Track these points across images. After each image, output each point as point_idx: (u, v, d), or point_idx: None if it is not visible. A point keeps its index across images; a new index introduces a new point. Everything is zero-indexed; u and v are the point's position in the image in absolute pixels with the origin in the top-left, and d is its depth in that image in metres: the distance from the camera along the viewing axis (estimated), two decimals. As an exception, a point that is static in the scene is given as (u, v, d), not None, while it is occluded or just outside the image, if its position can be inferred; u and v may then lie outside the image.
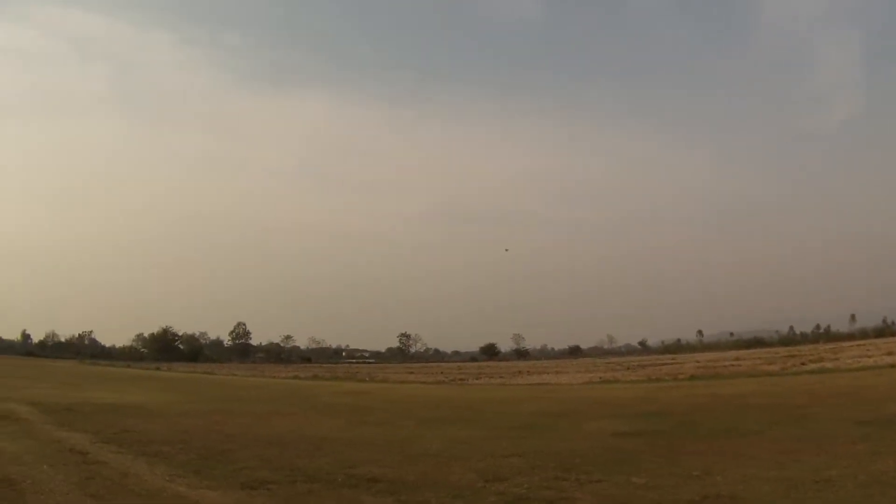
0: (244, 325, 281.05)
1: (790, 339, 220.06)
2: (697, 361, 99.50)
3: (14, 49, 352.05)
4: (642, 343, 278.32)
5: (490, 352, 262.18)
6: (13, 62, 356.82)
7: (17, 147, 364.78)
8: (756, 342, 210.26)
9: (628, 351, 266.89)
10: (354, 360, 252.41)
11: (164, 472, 16.79)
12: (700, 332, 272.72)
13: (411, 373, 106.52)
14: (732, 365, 78.04)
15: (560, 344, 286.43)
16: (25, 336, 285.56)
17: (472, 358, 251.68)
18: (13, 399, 39.32)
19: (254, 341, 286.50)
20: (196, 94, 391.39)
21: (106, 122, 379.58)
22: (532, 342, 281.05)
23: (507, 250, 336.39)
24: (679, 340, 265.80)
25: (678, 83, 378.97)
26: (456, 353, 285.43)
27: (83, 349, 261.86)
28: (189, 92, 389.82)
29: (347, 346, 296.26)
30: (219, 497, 14.15)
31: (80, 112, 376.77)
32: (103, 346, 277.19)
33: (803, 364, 64.69)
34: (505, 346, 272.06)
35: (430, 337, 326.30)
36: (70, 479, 15.79)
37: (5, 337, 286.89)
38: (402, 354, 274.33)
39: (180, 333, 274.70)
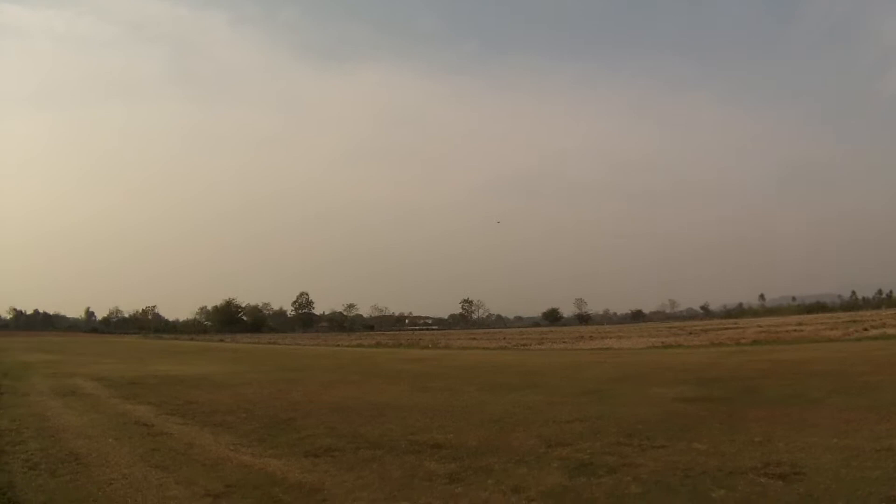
0: (307, 294, 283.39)
1: (852, 305, 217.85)
2: (759, 326, 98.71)
3: (72, 36, 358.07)
4: (704, 307, 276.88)
5: (552, 317, 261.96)
6: (72, 48, 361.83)
7: (83, 131, 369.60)
8: (818, 307, 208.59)
9: (690, 315, 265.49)
10: (417, 328, 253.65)
11: (228, 442, 17.12)
12: (762, 297, 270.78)
13: (474, 339, 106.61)
14: (795, 330, 77.33)
15: (622, 308, 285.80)
16: (89, 313, 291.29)
17: (535, 323, 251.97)
18: (79, 375, 40.46)
19: (316, 311, 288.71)
20: (255, 72, 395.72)
21: (167, 104, 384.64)
22: (594, 307, 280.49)
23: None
24: (741, 305, 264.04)
25: (737, 52, 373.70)
26: (518, 318, 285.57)
27: (147, 324, 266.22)
28: (248, 70, 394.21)
29: (410, 313, 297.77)
30: (283, 465, 14.33)
31: (142, 94, 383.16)
32: (167, 321, 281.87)
33: (865, 330, 64.08)
34: (567, 311, 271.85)
35: (493, 303, 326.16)
36: (135, 452, 16.08)
37: (70, 315, 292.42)
38: (464, 321, 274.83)
39: (243, 305, 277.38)
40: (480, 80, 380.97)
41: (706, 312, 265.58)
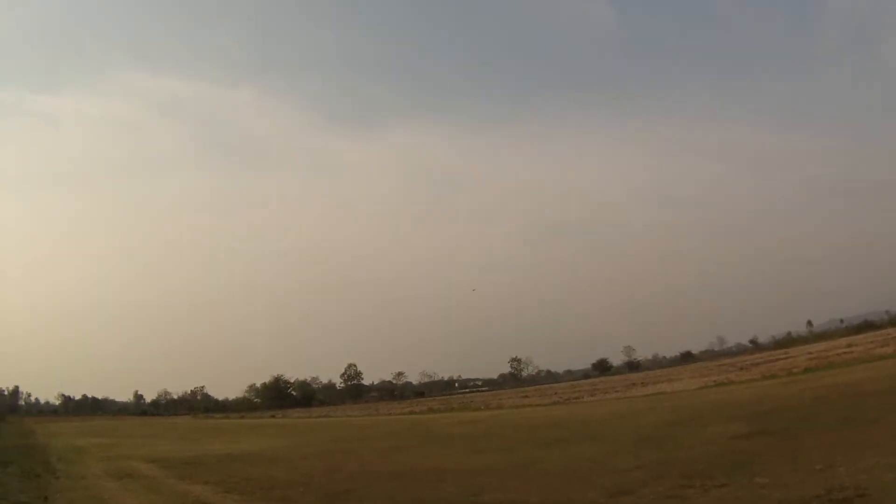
0: (355, 366, 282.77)
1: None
2: (810, 353, 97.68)
3: (104, 118, 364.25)
4: (753, 341, 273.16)
5: (602, 367, 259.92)
6: (105, 130, 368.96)
7: (113, 209, 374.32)
8: (866, 326, 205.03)
9: (739, 350, 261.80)
10: (468, 390, 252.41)
11: None
12: (809, 323, 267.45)
13: (525, 396, 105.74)
14: (845, 352, 76.55)
15: (671, 352, 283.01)
16: (138, 396, 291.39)
17: (585, 375, 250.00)
18: (133, 457, 40.30)
19: (365, 381, 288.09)
20: (283, 139, 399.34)
21: (197, 176, 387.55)
22: (643, 353, 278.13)
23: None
24: (789, 334, 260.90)
25: (762, 72, 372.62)
26: (568, 372, 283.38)
27: (196, 404, 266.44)
28: (275, 137, 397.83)
29: (459, 376, 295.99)
30: None
31: (172, 169, 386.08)
32: (216, 400, 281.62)
33: (917, 343, 63.41)
34: (616, 359, 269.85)
35: (541, 359, 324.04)
36: None
37: (118, 399, 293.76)
38: (514, 379, 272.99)
39: (292, 380, 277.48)
40: (508, 130, 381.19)
41: (755, 345, 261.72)
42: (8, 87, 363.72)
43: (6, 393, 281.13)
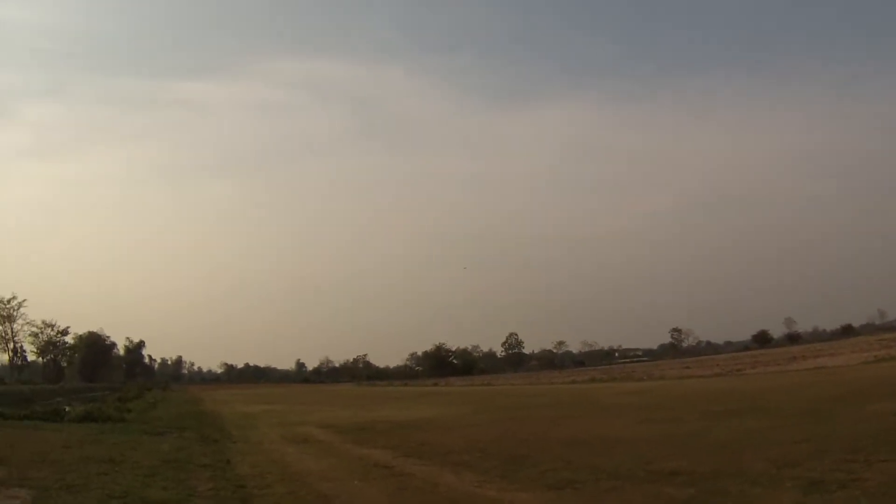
0: (516, 335, 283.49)
1: None
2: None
3: (256, 104, 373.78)
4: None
5: (762, 339, 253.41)
6: (257, 116, 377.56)
7: (268, 192, 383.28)
8: None
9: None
10: (627, 360, 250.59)
11: (471, 480, 18.03)
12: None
13: (687, 367, 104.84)
14: None
15: (831, 324, 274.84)
16: (300, 364, 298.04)
17: (745, 347, 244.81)
18: (306, 423, 41.97)
19: (526, 350, 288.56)
20: (436, 118, 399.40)
21: (351, 158, 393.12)
22: (802, 325, 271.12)
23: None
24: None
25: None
26: (728, 343, 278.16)
27: (358, 372, 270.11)
28: (429, 116, 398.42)
29: (620, 346, 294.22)
30: (530, 498, 15.27)
31: (325, 152, 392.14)
32: (377, 367, 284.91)
33: None
34: (776, 331, 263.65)
35: (701, 329, 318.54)
36: (383, 491, 17.28)
37: (280, 367, 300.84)
38: (674, 350, 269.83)
39: (453, 349, 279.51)
40: (656, 102, 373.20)
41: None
42: (158, 77, 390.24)
43: (170, 362, 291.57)
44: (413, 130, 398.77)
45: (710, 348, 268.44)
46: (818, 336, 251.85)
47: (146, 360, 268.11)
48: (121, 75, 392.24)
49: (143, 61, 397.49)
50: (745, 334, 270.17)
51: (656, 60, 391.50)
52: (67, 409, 50.42)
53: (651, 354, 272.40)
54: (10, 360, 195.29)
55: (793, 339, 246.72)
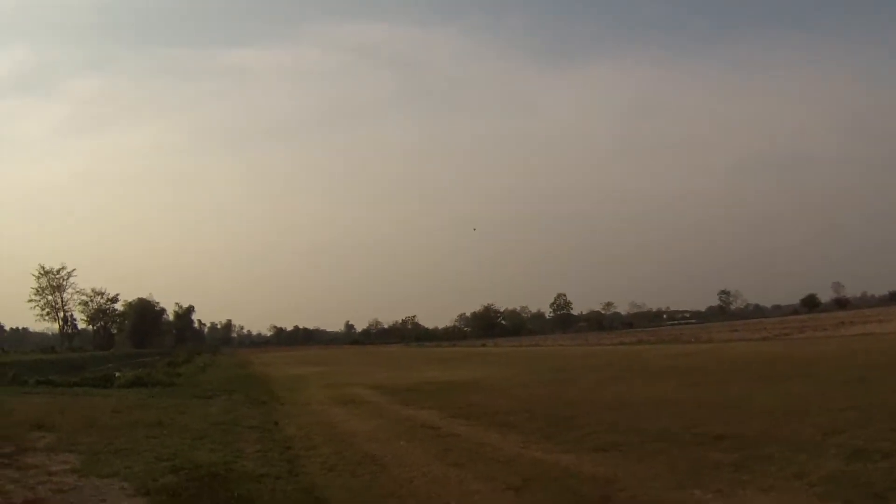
0: (564, 296, 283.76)
1: None
2: None
3: (299, 69, 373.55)
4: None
5: (810, 303, 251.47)
6: (300, 81, 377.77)
7: (319, 157, 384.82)
8: None
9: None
10: (676, 322, 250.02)
11: (517, 440, 18.23)
12: None
13: (734, 331, 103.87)
14: None
15: (880, 290, 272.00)
16: (349, 326, 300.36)
17: (793, 311, 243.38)
18: (354, 384, 42.41)
19: (574, 311, 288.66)
20: (484, 79, 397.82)
21: (400, 120, 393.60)
22: (851, 290, 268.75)
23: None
24: None
25: None
26: (776, 307, 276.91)
27: (407, 333, 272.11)
28: (477, 77, 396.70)
29: (668, 307, 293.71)
30: (574, 459, 15.34)
31: (375, 115, 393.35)
32: (426, 329, 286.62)
33: None
34: (824, 295, 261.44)
35: (749, 292, 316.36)
36: (429, 452, 17.52)
37: (329, 329, 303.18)
38: (722, 312, 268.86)
39: (501, 310, 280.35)
40: (714, 60, 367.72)
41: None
42: (203, 45, 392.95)
43: (219, 326, 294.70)
44: (460, 91, 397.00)
45: (757, 311, 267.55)
46: (866, 301, 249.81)
47: (195, 324, 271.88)
48: (171, 45, 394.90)
49: (191, 31, 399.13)
50: (793, 298, 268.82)
51: (711, 17, 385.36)
52: (117, 375, 51.39)
53: (699, 317, 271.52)
54: (60, 328, 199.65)
55: (841, 304, 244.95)
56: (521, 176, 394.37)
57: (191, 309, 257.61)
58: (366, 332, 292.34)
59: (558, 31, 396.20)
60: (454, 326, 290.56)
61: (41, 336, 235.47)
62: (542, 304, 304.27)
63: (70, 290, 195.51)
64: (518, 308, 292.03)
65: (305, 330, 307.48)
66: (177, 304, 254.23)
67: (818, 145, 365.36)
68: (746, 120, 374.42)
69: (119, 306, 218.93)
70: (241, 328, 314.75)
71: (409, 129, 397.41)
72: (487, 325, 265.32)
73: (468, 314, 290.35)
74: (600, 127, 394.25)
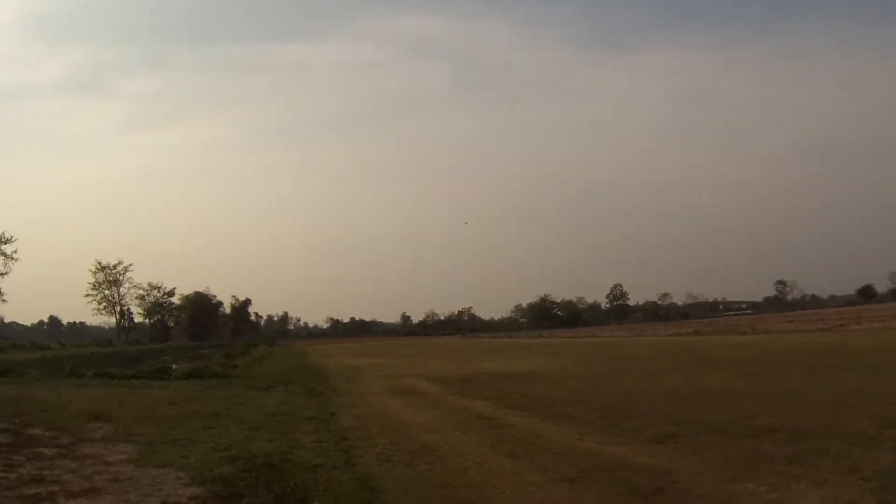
0: (620, 286, 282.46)
1: None
2: None
3: (353, 64, 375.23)
4: None
5: (867, 294, 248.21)
6: (354, 76, 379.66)
7: (375, 151, 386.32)
8: None
9: None
10: (732, 313, 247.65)
11: (572, 432, 18.25)
12: None
13: (790, 321, 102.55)
14: None
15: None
16: (405, 318, 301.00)
17: (849, 302, 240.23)
18: (410, 375, 42.49)
19: (630, 301, 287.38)
20: (538, 69, 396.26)
21: (455, 112, 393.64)
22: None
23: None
24: None
25: None
26: (832, 297, 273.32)
27: (463, 324, 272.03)
28: (530, 67, 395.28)
29: (724, 298, 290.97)
30: (629, 451, 15.41)
31: (429, 108, 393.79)
32: (482, 320, 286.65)
33: None
34: (881, 285, 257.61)
35: (806, 282, 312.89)
36: (483, 442, 17.62)
37: (385, 321, 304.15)
38: (778, 303, 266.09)
39: (558, 300, 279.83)
40: (765, 46, 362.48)
41: None
42: (257, 41, 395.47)
43: (276, 319, 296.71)
44: (513, 82, 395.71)
45: (814, 302, 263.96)
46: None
47: (252, 317, 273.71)
48: (226, 43, 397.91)
49: (245, 28, 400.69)
50: (849, 288, 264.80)
51: (763, 2, 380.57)
52: (174, 367, 52.02)
53: (755, 307, 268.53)
54: (117, 322, 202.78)
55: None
56: (574, 165, 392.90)
57: (247, 302, 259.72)
58: (422, 324, 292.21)
59: (608, 19, 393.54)
60: (510, 317, 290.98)
61: (98, 330, 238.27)
62: (598, 294, 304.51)
63: (127, 285, 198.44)
64: (574, 299, 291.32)
65: (362, 321, 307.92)
66: (233, 297, 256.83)
67: (874, 130, 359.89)
68: (799, 106, 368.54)
69: (176, 300, 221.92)
70: (298, 320, 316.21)
71: (462, 120, 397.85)
72: (543, 315, 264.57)
73: (524, 305, 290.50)
74: (652, 114, 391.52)
